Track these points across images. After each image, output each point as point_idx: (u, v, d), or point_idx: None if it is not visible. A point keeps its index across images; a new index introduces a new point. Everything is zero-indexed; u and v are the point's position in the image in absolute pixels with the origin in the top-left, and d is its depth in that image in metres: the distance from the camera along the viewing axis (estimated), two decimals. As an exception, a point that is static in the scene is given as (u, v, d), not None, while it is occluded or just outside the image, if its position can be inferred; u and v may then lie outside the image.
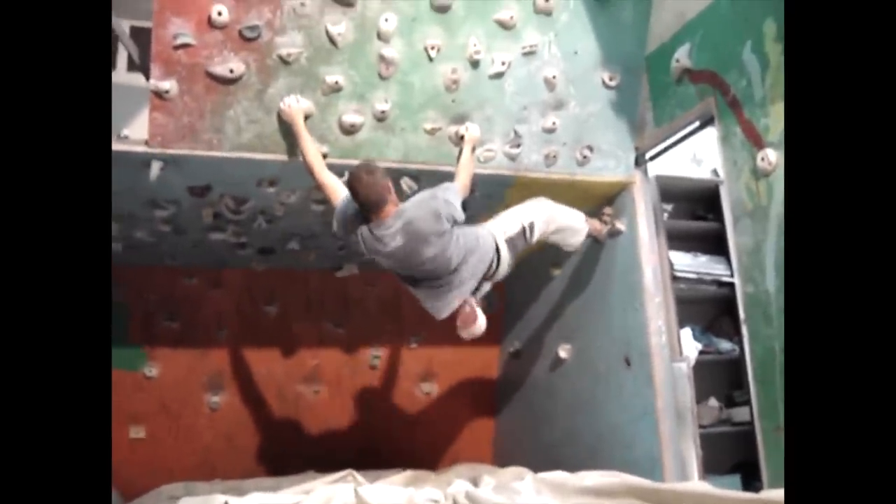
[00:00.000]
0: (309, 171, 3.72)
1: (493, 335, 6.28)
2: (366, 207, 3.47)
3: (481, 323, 3.77)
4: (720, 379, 5.03)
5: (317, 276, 5.83)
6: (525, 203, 4.10)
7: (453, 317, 3.78)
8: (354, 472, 4.25)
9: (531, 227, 4.00)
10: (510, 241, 3.91)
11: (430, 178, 4.12)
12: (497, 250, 3.84)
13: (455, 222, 3.61)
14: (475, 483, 3.93)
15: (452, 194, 3.67)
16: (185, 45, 3.57)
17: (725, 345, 4.98)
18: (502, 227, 3.93)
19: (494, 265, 3.85)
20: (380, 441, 6.03)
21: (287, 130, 3.82)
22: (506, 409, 6.20)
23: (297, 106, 3.76)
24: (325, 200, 3.81)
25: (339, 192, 3.63)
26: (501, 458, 5.74)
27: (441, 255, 3.57)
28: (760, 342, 3.58)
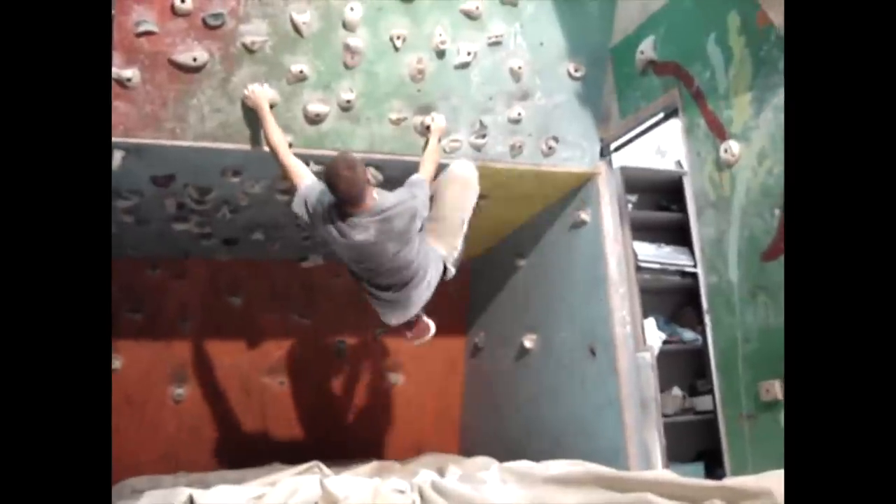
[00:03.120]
0: (273, 154, 3.69)
1: (458, 326, 6.31)
2: (344, 201, 3.44)
3: (433, 331, 3.97)
4: (683, 368, 5.08)
5: (282, 267, 5.79)
6: (461, 200, 3.97)
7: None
8: (320, 464, 4.24)
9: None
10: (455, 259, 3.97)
11: (396, 169, 4.12)
12: (444, 270, 3.92)
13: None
14: (441, 473, 3.94)
15: (425, 192, 3.70)
16: (147, 33, 3.52)
17: (689, 334, 5.03)
18: (452, 243, 3.95)
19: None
20: (346, 432, 6.02)
21: (251, 119, 3.78)
22: (472, 400, 6.22)
23: (261, 92, 3.72)
24: (290, 190, 3.77)
25: (303, 176, 3.62)
26: (467, 449, 5.77)
27: (403, 256, 3.59)
28: (723, 331, 3.63)
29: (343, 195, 3.41)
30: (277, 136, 3.67)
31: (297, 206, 3.60)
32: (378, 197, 3.53)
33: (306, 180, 3.61)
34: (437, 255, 3.84)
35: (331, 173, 3.38)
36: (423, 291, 3.78)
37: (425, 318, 3.94)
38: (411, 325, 3.93)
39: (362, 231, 3.47)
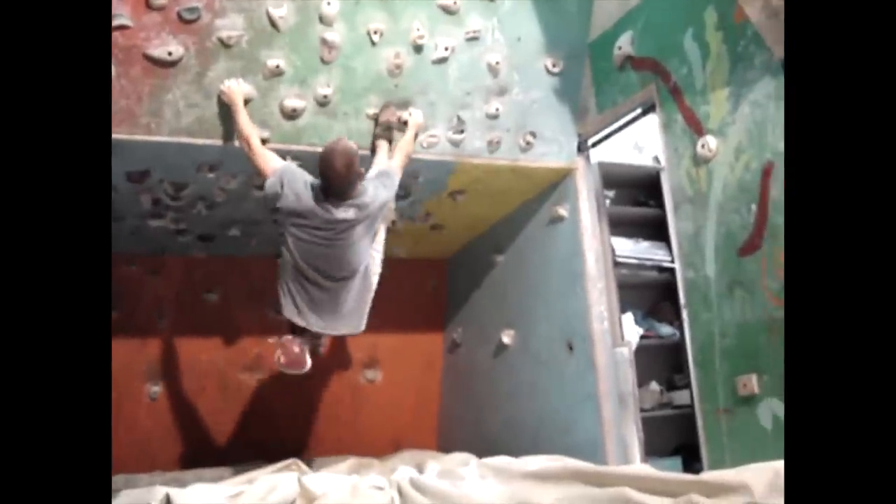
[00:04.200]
0: (243, 144, 3.67)
1: (436, 322, 6.30)
2: (334, 192, 3.51)
3: (306, 368, 3.89)
4: (661, 363, 5.11)
5: (258, 263, 5.74)
6: None
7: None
8: (298, 461, 4.23)
9: None
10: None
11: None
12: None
13: None
14: (420, 469, 3.94)
15: (396, 184, 3.83)
16: (121, 27, 3.48)
17: (666, 329, 5.06)
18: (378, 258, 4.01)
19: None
20: (324, 429, 5.99)
21: (227, 114, 3.75)
22: (450, 396, 6.21)
23: (237, 87, 3.70)
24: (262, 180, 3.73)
25: (274, 160, 3.64)
26: (446, 445, 5.76)
27: (363, 246, 3.69)
28: (700, 326, 3.65)
29: (336, 189, 3.49)
30: (249, 128, 3.65)
31: (271, 186, 3.56)
32: (361, 187, 3.59)
33: (277, 164, 3.62)
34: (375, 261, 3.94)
35: (327, 165, 3.45)
36: (356, 296, 3.80)
37: (307, 356, 3.86)
38: (296, 348, 3.82)
39: (343, 210, 3.53)
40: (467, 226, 5.58)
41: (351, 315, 3.83)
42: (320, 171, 3.49)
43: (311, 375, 6.03)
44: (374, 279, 3.96)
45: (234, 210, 4.77)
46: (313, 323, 3.73)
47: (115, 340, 5.49)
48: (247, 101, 3.74)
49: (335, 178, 3.46)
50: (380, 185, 3.71)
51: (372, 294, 3.93)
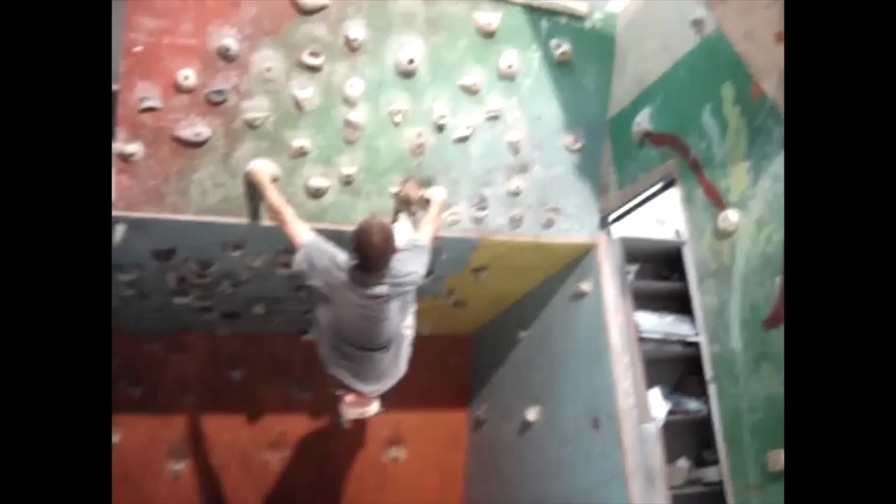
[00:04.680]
0: (274, 213, 3.68)
1: (460, 399, 6.25)
2: (370, 268, 3.44)
3: (374, 410, 3.84)
4: (689, 439, 5.01)
5: (282, 340, 5.77)
6: None
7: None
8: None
9: None
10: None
11: (397, 241, 4.13)
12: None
13: None
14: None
15: (429, 257, 3.78)
16: (151, 109, 3.58)
17: (693, 404, 4.98)
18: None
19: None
20: (347, 509, 5.92)
21: (253, 193, 3.81)
22: (475, 474, 6.12)
23: (263, 167, 3.76)
24: (290, 249, 3.69)
25: (302, 234, 3.59)
26: (471, 525, 5.66)
27: (398, 320, 3.63)
28: (728, 401, 3.59)
29: (373, 264, 3.42)
30: (279, 201, 3.67)
31: (298, 263, 3.54)
32: (395, 262, 3.54)
33: (305, 237, 3.58)
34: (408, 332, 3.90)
35: (365, 241, 3.38)
36: (396, 360, 3.77)
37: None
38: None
39: (377, 286, 3.46)
40: (490, 302, 5.58)
41: (392, 374, 3.77)
42: (356, 247, 3.42)
43: (334, 453, 6.02)
44: (409, 334, 3.91)
45: (259, 288, 4.81)
46: (362, 388, 3.69)
47: (138, 417, 5.53)
48: (273, 181, 3.79)
49: (373, 252, 3.38)
50: (413, 258, 3.66)
51: (409, 349, 3.87)
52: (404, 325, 3.82)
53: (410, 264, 3.64)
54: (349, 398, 3.74)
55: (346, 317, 3.51)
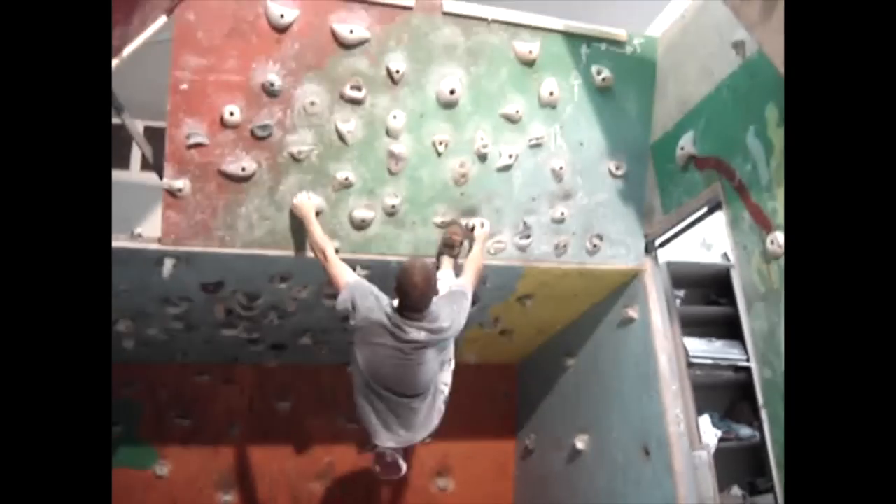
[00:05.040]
0: (316, 254, 3.69)
1: (508, 428, 6.22)
2: (411, 308, 3.41)
3: (402, 472, 3.76)
4: (742, 466, 4.92)
5: (329, 371, 5.79)
6: None
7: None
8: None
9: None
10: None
11: (441, 270, 4.14)
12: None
13: None
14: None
15: (469, 303, 3.71)
16: (198, 145, 3.65)
17: (745, 431, 4.88)
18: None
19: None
20: (395, 540, 5.90)
21: (298, 226, 3.85)
22: (524, 504, 6.06)
23: (308, 202, 3.80)
24: (336, 292, 3.68)
25: (346, 274, 3.58)
26: (521, 556, 5.60)
27: (434, 368, 3.57)
28: (781, 427, 3.52)
29: (413, 303, 3.39)
30: (323, 240, 3.68)
31: (343, 303, 3.52)
32: (434, 307, 3.50)
33: (349, 277, 3.57)
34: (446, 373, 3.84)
35: (406, 280, 3.36)
36: (430, 413, 3.71)
37: (401, 460, 3.75)
38: (388, 458, 3.72)
39: (416, 331, 3.43)
40: (537, 330, 5.55)
41: (423, 427, 3.74)
42: (398, 286, 3.40)
43: (383, 484, 6.00)
44: (445, 391, 3.85)
45: (306, 319, 4.84)
46: (385, 439, 3.61)
47: (188, 449, 5.59)
48: (318, 213, 3.83)
49: (414, 291, 3.36)
50: (453, 305, 3.61)
51: (442, 407, 3.81)
52: (441, 379, 3.77)
53: (452, 314, 3.58)
54: (376, 468, 3.73)
55: (383, 359, 3.48)
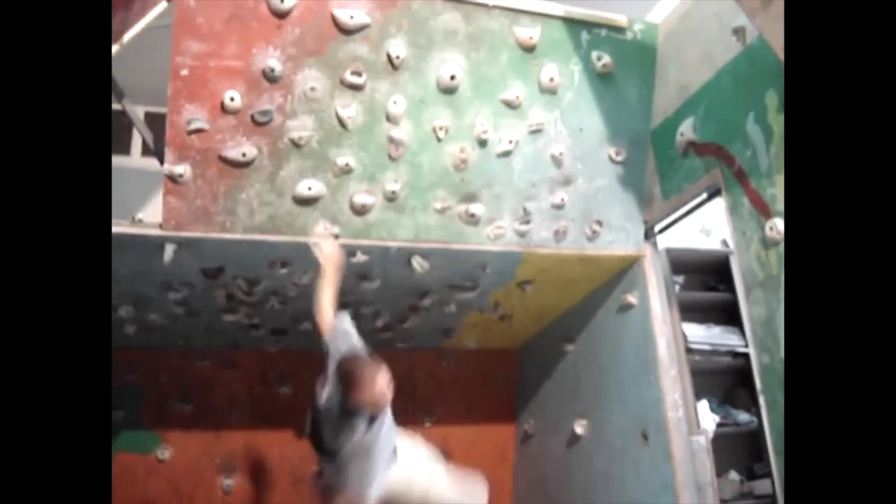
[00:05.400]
0: (316, 307, 3.74)
1: (507, 413, 6.23)
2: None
3: None
4: (740, 451, 4.94)
5: (330, 356, 5.80)
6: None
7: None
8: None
9: None
10: None
11: (441, 257, 4.16)
12: None
13: None
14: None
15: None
16: (198, 131, 3.65)
17: (743, 416, 4.91)
18: None
19: None
20: (395, 523, 5.92)
21: (299, 212, 3.87)
22: (523, 488, 6.09)
23: (329, 247, 3.79)
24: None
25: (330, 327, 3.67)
26: (520, 539, 5.63)
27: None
28: (779, 413, 3.53)
29: (371, 409, 3.56)
30: (325, 299, 3.70)
31: (329, 339, 3.68)
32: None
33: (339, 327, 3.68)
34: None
35: (355, 386, 3.56)
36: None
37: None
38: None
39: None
40: (536, 315, 5.57)
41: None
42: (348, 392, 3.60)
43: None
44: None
45: (306, 304, 4.83)
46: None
47: (190, 433, 5.61)
48: (316, 199, 3.85)
49: (372, 401, 3.60)
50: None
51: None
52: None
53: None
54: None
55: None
